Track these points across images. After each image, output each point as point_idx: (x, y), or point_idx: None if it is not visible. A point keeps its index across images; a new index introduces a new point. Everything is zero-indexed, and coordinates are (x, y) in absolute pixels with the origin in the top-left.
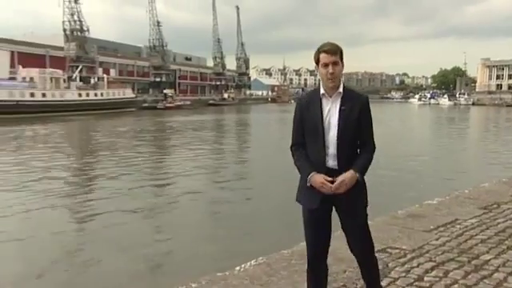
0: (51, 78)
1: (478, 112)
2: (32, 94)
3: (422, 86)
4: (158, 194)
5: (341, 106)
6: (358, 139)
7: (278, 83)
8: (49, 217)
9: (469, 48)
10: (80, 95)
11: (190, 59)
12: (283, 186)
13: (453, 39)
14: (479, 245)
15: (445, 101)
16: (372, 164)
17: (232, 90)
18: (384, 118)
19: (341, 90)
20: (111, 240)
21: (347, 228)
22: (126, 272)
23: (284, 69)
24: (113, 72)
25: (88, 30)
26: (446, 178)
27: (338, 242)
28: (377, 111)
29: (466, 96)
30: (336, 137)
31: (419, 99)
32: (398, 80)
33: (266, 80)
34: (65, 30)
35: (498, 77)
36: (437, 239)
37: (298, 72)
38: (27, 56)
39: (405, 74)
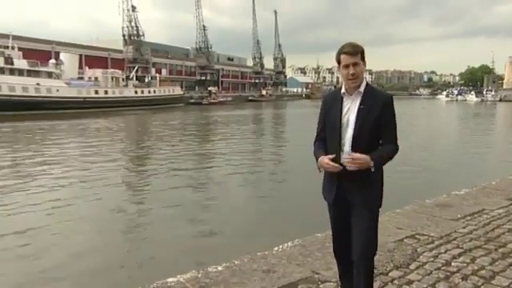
0: (112, 78)
1: (504, 108)
2: (96, 92)
3: (449, 83)
4: (209, 175)
5: (360, 104)
6: (379, 139)
7: (311, 81)
8: (115, 191)
9: (497, 47)
10: (136, 92)
11: (231, 59)
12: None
13: (482, 38)
14: (506, 234)
15: (472, 97)
16: (400, 155)
17: (269, 88)
18: (412, 112)
19: (361, 89)
20: (165, 218)
21: (354, 225)
22: (176, 247)
23: (318, 67)
24: (164, 71)
25: (143, 35)
26: (473, 170)
27: None
28: (404, 105)
29: (492, 93)
30: (352, 135)
31: (446, 96)
32: (426, 77)
33: (301, 78)
34: (124, 35)
35: None
36: (464, 227)
37: (330, 70)
38: (92, 58)
39: (433, 72)
